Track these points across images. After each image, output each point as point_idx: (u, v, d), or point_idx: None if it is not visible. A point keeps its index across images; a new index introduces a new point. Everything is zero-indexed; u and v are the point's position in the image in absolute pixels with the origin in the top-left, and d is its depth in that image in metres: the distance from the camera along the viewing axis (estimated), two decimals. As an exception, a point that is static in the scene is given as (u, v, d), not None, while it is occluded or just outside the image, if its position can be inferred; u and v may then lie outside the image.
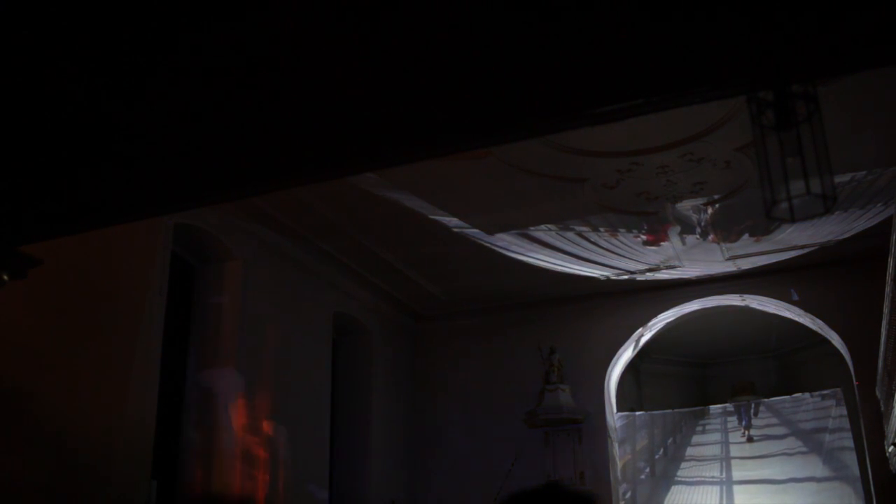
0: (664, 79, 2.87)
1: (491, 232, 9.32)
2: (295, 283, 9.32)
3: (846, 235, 9.59)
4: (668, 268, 10.59)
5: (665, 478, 12.67)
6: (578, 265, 10.43)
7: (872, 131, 7.32)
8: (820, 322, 10.67)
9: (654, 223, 9.14)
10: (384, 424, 10.84)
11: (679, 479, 12.66)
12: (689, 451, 12.88)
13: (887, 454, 9.25)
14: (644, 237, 9.57)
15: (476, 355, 11.78)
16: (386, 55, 3.20)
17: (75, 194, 3.86)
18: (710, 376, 14.97)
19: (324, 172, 3.79)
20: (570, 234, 9.42)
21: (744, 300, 11.25)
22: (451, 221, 9.05)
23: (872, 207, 8.76)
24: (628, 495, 12.30)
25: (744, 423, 12.88)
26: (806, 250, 10.09)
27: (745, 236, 9.56)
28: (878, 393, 9.52)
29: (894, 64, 3.00)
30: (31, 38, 3.52)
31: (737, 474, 12.48)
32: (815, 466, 11.98)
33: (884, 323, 7.86)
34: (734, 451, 12.65)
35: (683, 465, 12.78)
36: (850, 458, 11.58)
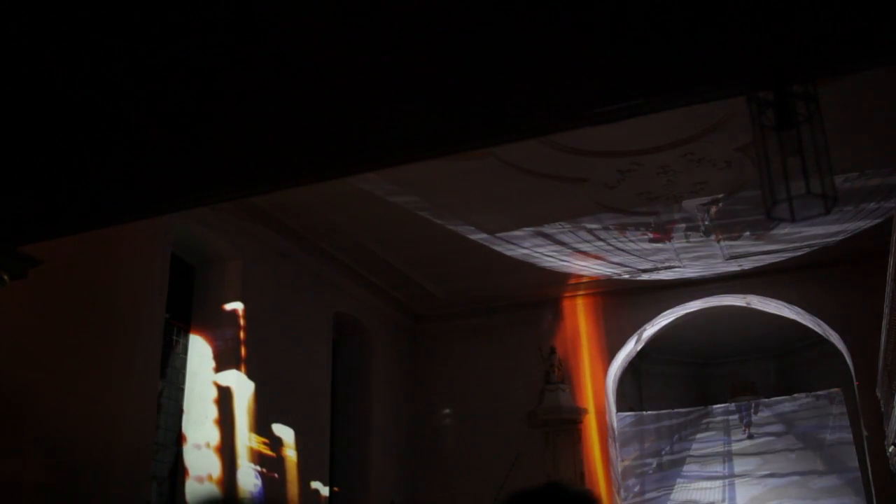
0: (664, 79, 2.87)
1: (491, 232, 9.32)
2: (295, 283, 9.31)
3: (841, 237, 9.61)
4: (668, 267, 10.59)
5: (670, 474, 12.74)
6: (579, 263, 10.43)
7: (872, 131, 7.33)
8: (820, 322, 10.67)
9: (654, 223, 9.14)
10: (384, 424, 10.84)
11: (684, 474, 12.73)
12: (693, 448, 12.94)
13: (887, 454, 9.25)
14: (645, 236, 9.57)
15: (476, 355, 11.78)
16: (385, 55, 3.20)
17: (75, 194, 3.86)
18: (710, 376, 14.98)
19: (324, 172, 3.79)
20: (571, 234, 9.42)
21: (745, 300, 11.25)
22: (452, 221, 9.05)
23: (865, 206, 8.78)
24: (637, 489, 12.37)
25: (745, 421, 12.92)
26: (805, 250, 10.10)
27: (746, 235, 9.57)
28: (878, 393, 9.52)
29: (894, 64, 3.00)
30: (31, 37, 3.52)
31: (739, 470, 12.54)
32: (816, 464, 12.01)
33: (884, 323, 7.85)
34: (736, 448, 12.71)
35: (688, 461, 12.85)
36: (851, 457, 11.61)
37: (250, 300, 8.38)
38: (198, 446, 7.72)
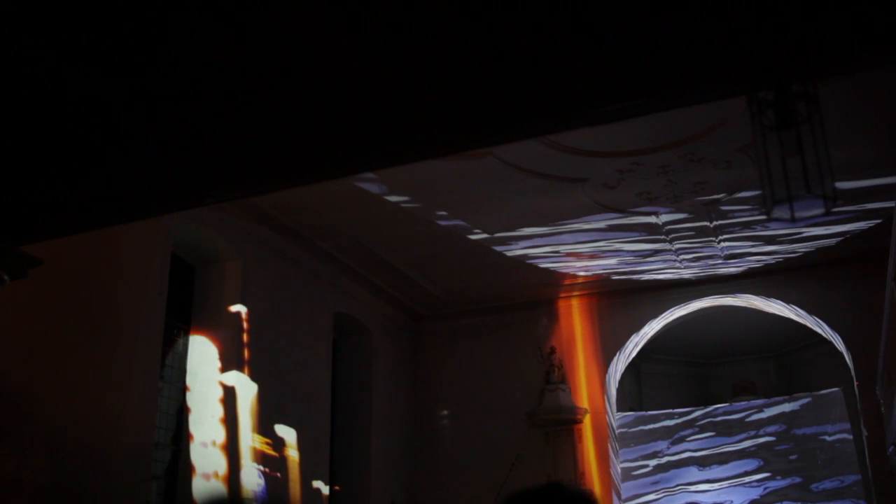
0: (664, 79, 2.87)
1: (491, 232, 9.32)
2: (295, 283, 9.32)
3: (841, 237, 9.60)
4: (668, 267, 10.60)
5: (670, 475, 12.73)
6: (579, 263, 10.43)
7: (872, 131, 7.32)
8: (821, 322, 10.67)
9: (654, 223, 9.13)
10: (384, 424, 10.84)
11: (683, 475, 12.72)
12: (693, 449, 12.93)
13: (888, 454, 9.25)
14: (644, 236, 9.57)
15: (476, 355, 11.78)
16: (385, 56, 3.20)
17: (75, 194, 3.87)
18: (710, 376, 14.98)
19: (324, 172, 3.79)
20: (571, 234, 9.42)
21: (745, 300, 11.25)
22: (451, 221, 9.05)
23: (865, 206, 8.76)
24: (636, 489, 12.38)
25: (745, 422, 12.91)
26: (804, 250, 10.10)
27: (746, 235, 9.56)
28: (878, 393, 9.52)
29: (894, 64, 3.00)
30: (32, 39, 3.52)
31: (738, 471, 12.53)
32: (816, 465, 12.00)
33: (884, 323, 7.86)
34: (736, 449, 12.69)
35: (688, 462, 12.84)
36: (851, 458, 11.61)
37: (250, 300, 8.39)
38: (204, 444, 7.73)
